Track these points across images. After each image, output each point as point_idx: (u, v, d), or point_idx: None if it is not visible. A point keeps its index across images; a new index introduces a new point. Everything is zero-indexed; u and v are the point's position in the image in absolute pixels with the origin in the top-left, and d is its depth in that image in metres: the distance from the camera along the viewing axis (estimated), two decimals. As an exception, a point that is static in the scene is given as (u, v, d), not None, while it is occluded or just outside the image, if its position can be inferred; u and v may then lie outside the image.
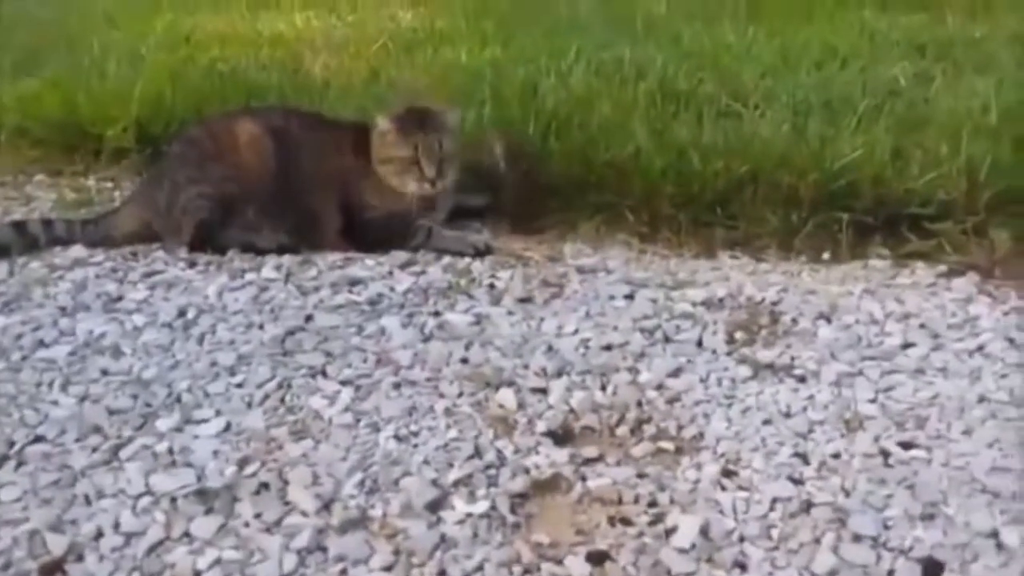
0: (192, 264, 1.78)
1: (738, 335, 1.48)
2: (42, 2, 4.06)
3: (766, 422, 1.25)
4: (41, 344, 1.49)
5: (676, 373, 1.36)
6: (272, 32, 3.25)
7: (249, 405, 1.31)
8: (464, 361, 1.41)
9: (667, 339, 1.46)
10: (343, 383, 1.35)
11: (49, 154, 2.41)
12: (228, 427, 1.25)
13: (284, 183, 1.83)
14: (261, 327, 1.53)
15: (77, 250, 1.82)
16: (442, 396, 1.32)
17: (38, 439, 1.23)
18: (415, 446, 1.21)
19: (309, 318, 1.56)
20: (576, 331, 1.49)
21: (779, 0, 3.34)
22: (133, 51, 2.89)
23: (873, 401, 1.29)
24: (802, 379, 1.35)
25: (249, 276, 1.73)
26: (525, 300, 1.61)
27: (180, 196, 1.83)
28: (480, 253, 1.80)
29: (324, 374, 1.39)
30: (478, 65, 2.68)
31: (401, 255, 1.79)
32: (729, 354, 1.42)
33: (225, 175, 1.83)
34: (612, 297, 1.61)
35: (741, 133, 2.07)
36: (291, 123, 1.89)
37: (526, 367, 1.38)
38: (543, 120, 2.17)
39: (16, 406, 1.32)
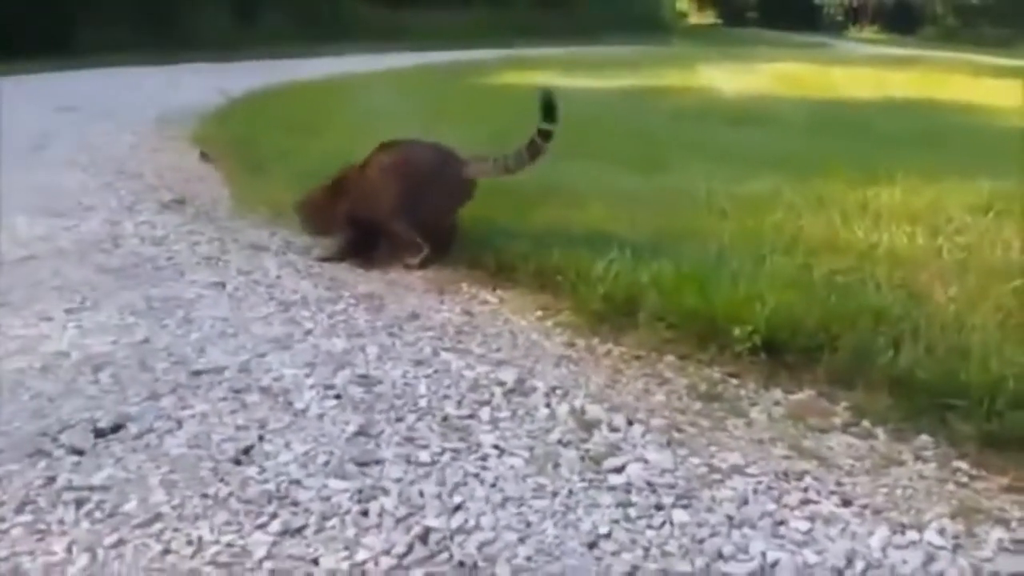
0: (846, 502, 1.77)
1: None
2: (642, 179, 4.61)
3: None
4: (719, 556, 1.58)
5: None
6: (884, 246, 3.23)
7: None
8: None
9: None
10: None
11: (679, 338, 2.63)
12: None
13: None
14: (939, 607, 1.45)
15: (736, 457, 1.93)
16: None
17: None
18: None
19: (995, 613, 1.44)
20: None
21: None
22: (753, 250, 3.09)
23: None
24: None
25: (911, 534, 1.66)
26: None
27: None
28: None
29: None
30: None
31: None
32: None
33: None
34: None
35: None
36: None
37: None
38: None
39: (710, 620, 1.40)
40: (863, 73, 11.72)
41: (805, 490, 1.81)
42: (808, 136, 6.56)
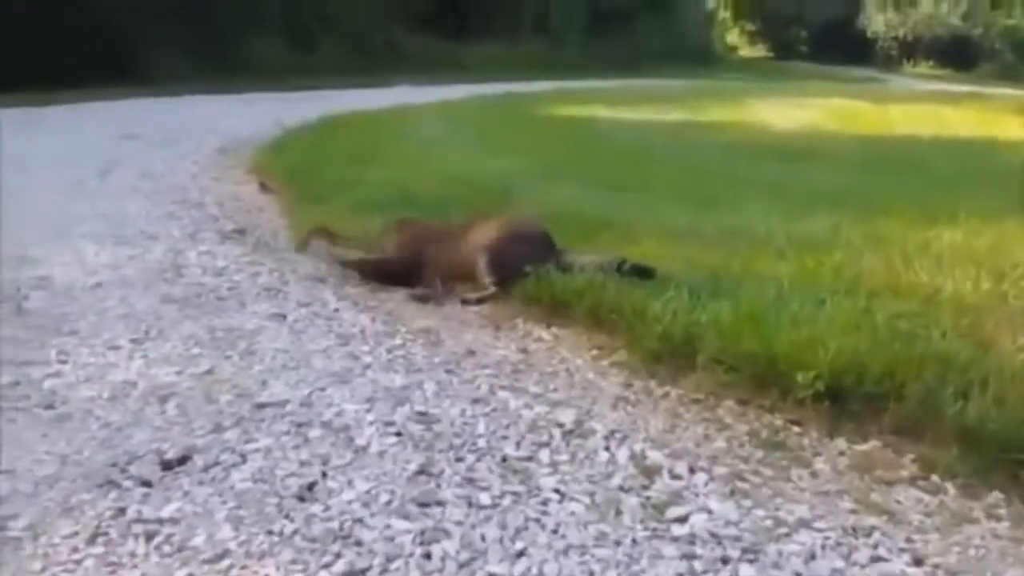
0: (918, 561, 1.72)
1: None
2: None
3: None
4: (787, 613, 1.54)
5: None
6: (948, 290, 3.17)
7: None
8: None
9: None
10: None
11: (739, 381, 2.59)
12: None
13: None
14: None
15: (802, 510, 1.89)
16: None
17: None
18: None
19: None
20: None
21: None
22: (813, 291, 3.04)
23: None
24: None
25: None
26: None
27: None
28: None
29: None
30: None
31: None
32: None
33: None
34: None
35: None
36: None
37: None
38: None
39: None
40: (919, 110, 11.57)
41: (875, 547, 1.77)
42: (863, 173, 6.49)
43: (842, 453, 2.22)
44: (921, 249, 3.80)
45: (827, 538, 1.79)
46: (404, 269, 3.56)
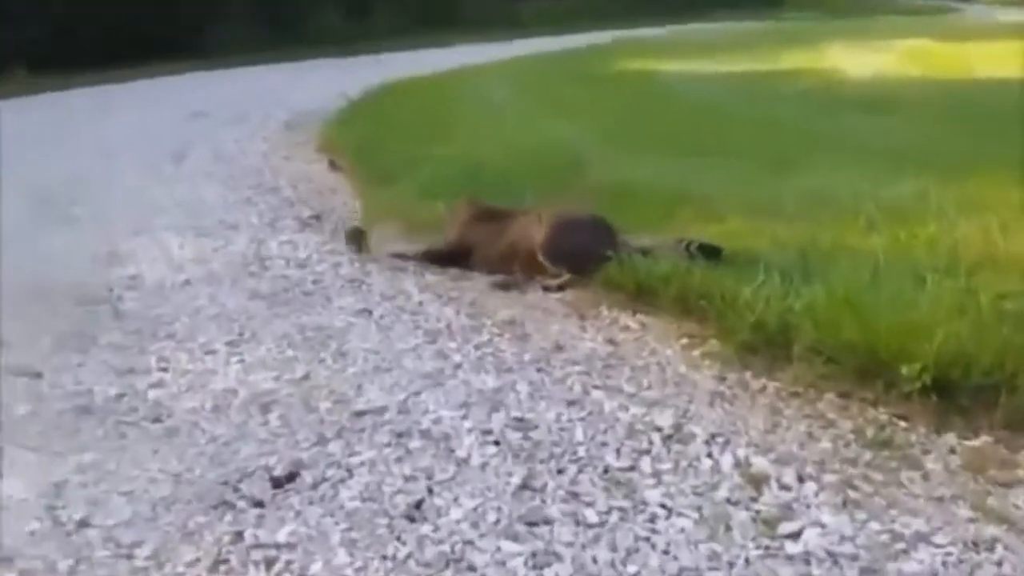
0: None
1: None
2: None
3: None
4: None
5: None
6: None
7: None
8: None
9: None
10: None
11: (839, 373, 2.51)
12: None
13: None
14: None
15: (919, 523, 1.84)
16: None
17: None
18: None
19: None
20: None
21: None
22: (908, 268, 2.92)
23: None
24: None
25: None
26: None
27: None
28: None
29: None
30: None
31: None
32: None
33: None
34: None
35: None
36: None
37: None
38: None
39: None
40: (1001, 47, 10.94)
41: (999, 564, 1.71)
42: (947, 125, 6.19)
43: (952, 450, 2.14)
44: (1020, 215, 3.62)
45: (948, 554, 1.73)
46: (458, 254, 3.60)
